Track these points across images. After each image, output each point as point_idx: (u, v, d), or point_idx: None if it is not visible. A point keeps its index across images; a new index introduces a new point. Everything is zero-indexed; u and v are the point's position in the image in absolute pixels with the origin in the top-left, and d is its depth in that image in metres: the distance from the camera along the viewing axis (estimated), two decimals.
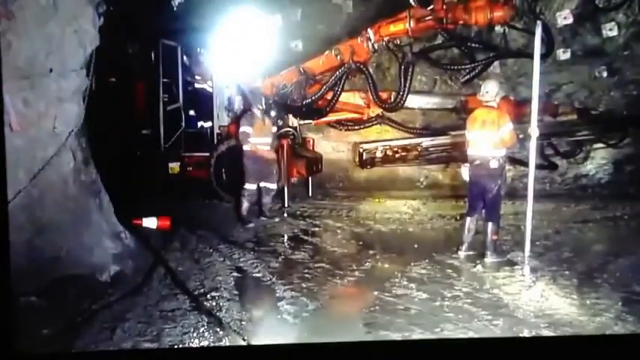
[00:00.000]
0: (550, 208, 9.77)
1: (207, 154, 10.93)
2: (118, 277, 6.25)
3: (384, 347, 4.72)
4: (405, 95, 10.03)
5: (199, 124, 12.38)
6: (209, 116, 11.89)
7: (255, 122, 9.15)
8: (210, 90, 11.98)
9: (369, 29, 9.77)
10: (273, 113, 9.83)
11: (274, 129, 9.65)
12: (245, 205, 9.15)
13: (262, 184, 9.26)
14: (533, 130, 6.70)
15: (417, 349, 4.58)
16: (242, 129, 9.09)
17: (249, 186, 9.16)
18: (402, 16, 9.29)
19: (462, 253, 7.32)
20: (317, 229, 9.06)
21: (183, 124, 11.92)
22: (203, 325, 5.18)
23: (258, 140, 9.15)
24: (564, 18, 10.51)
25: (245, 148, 9.12)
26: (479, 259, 7.09)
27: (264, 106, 9.39)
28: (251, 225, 9.01)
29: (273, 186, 9.45)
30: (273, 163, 9.49)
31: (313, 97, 10.43)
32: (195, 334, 5.01)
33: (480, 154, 7.08)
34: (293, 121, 11.26)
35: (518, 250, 7.07)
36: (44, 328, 4.87)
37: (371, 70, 10.68)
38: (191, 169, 11.26)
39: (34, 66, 5.56)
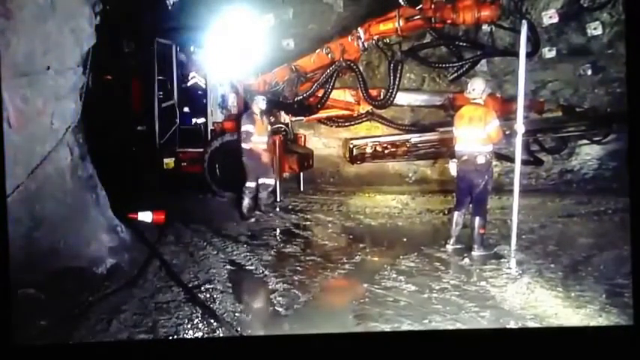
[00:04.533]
0: (536, 202, 9.84)
1: (201, 149, 11.03)
2: (114, 269, 6.30)
3: (374, 338, 4.81)
4: (394, 92, 10.10)
5: (193, 120, 12.40)
6: (203, 113, 11.94)
7: (255, 121, 9.20)
8: (204, 87, 12.04)
9: (359, 28, 9.83)
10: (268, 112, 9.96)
11: (269, 127, 9.72)
12: (246, 201, 9.21)
13: (261, 181, 9.28)
14: (519, 127, 6.82)
15: (406, 340, 4.67)
16: (244, 128, 9.10)
17: (250, 184, 9.20)
18: (392, 16, 9.36)
19: (449, 247, 7.38)
20: (308, 223, 9.14)
21: (177, 120, 11.94)
22: (197, 317, 5.21)
23: (259, 139, 9.20)
24: (550, 17, 10.67)
25: (245, 146, 9.14)
26: (466, 252, 7.12)
27: (264, 106, 9.49)
28: (252, 220, 9.06)
29: (271, 181, 9.49)
30: (271, 160, 9.56)
31: (305, 95, 10.50)
32: (189, 326, 5.04)
33: (467, 150, 7.13)
34: (285, 117, 11.34)
35: (505, 244, 7.16)
36: (42, 319, 4.90)
37: (361, 68, 10.74)
38: (185, 164, 11.33)
39: (32, 64, 5.57)
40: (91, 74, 6.82)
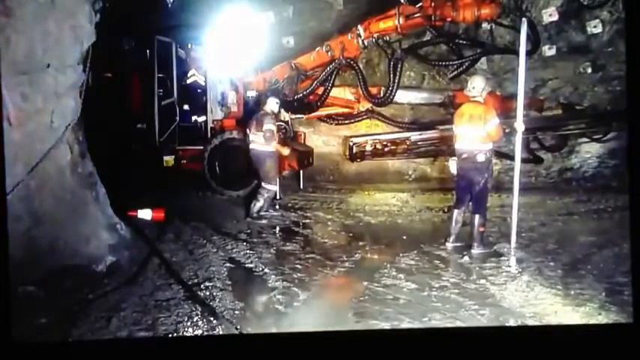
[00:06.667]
0: (535, 200, 9.84)
1: (201, 147, 11.03)
2: (113, 267, 6.29)
3: (373, 336, 4.80)
4: (394, 90, 10.13)
5: (193, 118, 12.40)
6: (203, 111, 11.91)
7: (275, 121, 9.11)
8: (204, 85, 12.03)
9: (359, 26, 9.89)
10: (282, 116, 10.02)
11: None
12: (261, 202, 9.09)
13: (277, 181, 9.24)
14: (519, 125, 6.78)
15: (406, 338, 4.65)
16: (267, 127, 8.88)
17: (271, 186, 9.13)
18: (392, 13, 9.42)
19: (449, 245, 7.40)
20: (308, 220, 9.15)
21: (177, 118, 11.94)
22: (197, 315, 5.20)
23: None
24: (550, 15, 10.68)
25: (268, 148, 9.02)
26: (466, 250, 7.14)
27: (277, 109, 9.50)
28: (264, 221, 8.98)
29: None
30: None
31: (304, 92, 10.55)
32: (189, 323, 5.03)
33: (467, 148, 7.15)
34: (285, 115, 11.31)
35: (505, 242, 7.14)
36: (41, 317, 4.89)
37: (361, 66, 10.80)
38: (185, 162, 11.31)
39: (32, 62, 5.57)
40: (91, 72, 6.80)
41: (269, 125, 8.93)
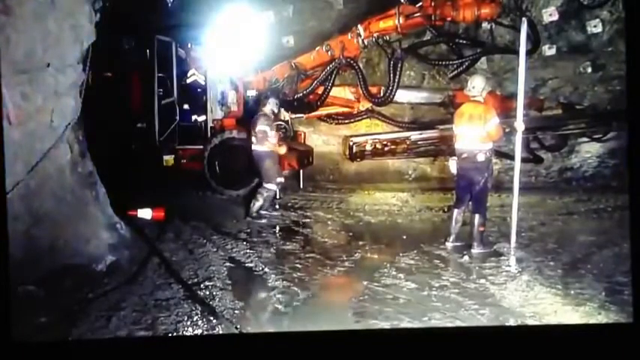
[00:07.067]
0: (535, 200, 9.84)
1: (201, 147, 11.01)
2: (113, 266, 6.29)
3: (373, 336, 4.80)
4: (394, 90, 10.14)
5: (193, 117, 12.39)
6: (203, 110, 11.90)
7: (271, 122, 9.12)
8: (203, 84, 12.03)
9: (359, 25, 9.90)
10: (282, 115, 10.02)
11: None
12: (260, 202, 9.05)
13: (278, 180, 9.24)
14: (519, 125, 6.78)
15: (406, 338, 4.65)
16: (261, 127, 8.91)
17: (271, 185, 9.12)
18: (392, 13, 9.44)
19: (449, 244, 7.38)
20: (308, 220, 9.14)
21: (177, 117, 11.94)
22: (197, 314, 5.19)
23: (274, 140, 9.13)
24: (550, 15, 10.70)
25: (262, 148, 9.00)
26: (466, 250, 7.12)
27: (277, 110, 9.53)
28: (264, 221, 8.97)
29: (282, 180, 9.46)
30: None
31: (304, 92, 10.56)
32: (188, 323, 5.02)
33: (467, 147, 7.13)
34: (285, 114, 11.32)
35: (504, 242, 7.14)
36: (41, 316, 4.90)
37: (361, 66, 10.80)
38: (185, 161, 11.30)
39: (32, 61, 5.57)
40: (91, 71, 6.82)
41: (261, 126, 8.95)
